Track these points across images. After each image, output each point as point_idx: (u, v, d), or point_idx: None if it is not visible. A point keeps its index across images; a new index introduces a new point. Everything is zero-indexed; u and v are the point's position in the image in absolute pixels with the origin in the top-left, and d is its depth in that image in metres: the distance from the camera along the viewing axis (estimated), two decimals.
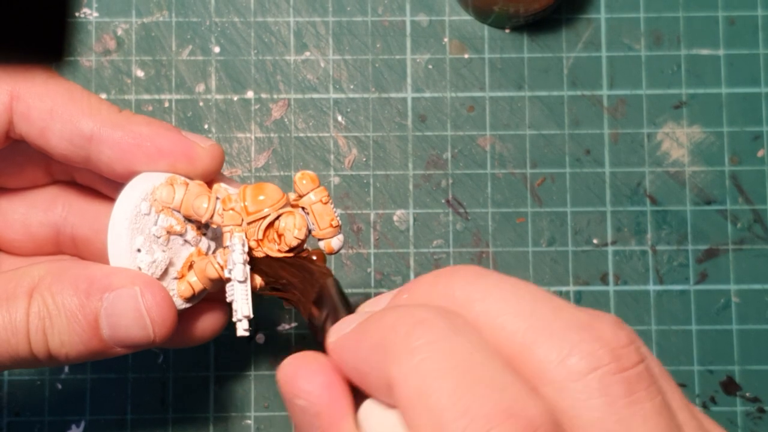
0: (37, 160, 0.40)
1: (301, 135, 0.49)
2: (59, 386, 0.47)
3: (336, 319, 0.31)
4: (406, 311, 0.27)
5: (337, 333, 0.29)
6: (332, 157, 0.49)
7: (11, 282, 0.35)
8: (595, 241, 0.49)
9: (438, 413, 0.24)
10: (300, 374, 0.29)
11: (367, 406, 0.28)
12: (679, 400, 0.27)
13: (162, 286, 0.36)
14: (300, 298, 0.34)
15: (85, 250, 0.41)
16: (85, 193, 0.42)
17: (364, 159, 0.49)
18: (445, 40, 0.50)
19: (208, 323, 0.40)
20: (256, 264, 0.36)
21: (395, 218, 0.49)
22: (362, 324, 0.28)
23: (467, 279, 0.28)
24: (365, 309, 0.31)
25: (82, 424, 0.47)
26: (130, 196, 0.36)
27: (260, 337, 0.48)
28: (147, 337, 0.36)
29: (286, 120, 0.49)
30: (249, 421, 0.47)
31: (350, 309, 0.32)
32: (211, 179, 0.38)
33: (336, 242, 0.37)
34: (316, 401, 0.28)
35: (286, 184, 0.49)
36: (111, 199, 0.42)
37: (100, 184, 0.41)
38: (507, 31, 0.50)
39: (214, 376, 0.47)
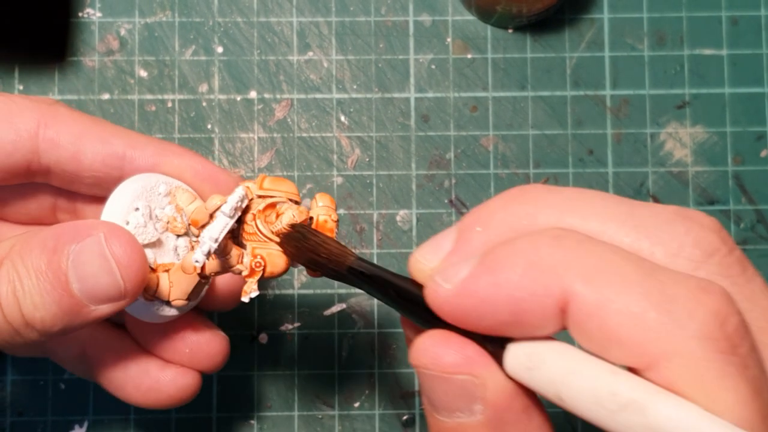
0: (46, 198, 0.41)
1: (304, 135, 0.49)
2: (62, 386, 0.47)
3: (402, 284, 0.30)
4: (537, 233, 0.26)
5: (449, 279, 0.27)
6: (335, 157, 0.49)
7: None
8: None
9: (636, 315, 0.24)
10: (440, 351, 0.27)
11: (517, 349, 0.26)
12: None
13: (128, 232, 0.35)
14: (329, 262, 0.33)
15: None
16: (59, 191, 0.42)
17: (367, 159, 0.49)
18: (448, 40, 0.50)
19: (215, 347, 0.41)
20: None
21: (398, 218, 0.49)
22: (490, 258, 0.26)
23: (542, 197, 0.28)
24: (426, 250, 0.29)
25: (85, 424, 0.47)
26: (156, 172, 0.38)
27: (263, 338, 0.48)
28: (116, 284, 0.34)
29: (289, 120, 0.49)
30: (252, 421, 0.47)
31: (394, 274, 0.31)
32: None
33: None
34: (466, 368, 0.27)
35: None
36: (85, 197, 0.42)
37: (74, 185, 0.41)
38: (510, 31, 0.50)
39: (217, 377, 0.47)
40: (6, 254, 0.35)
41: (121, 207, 0.36)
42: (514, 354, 0.26)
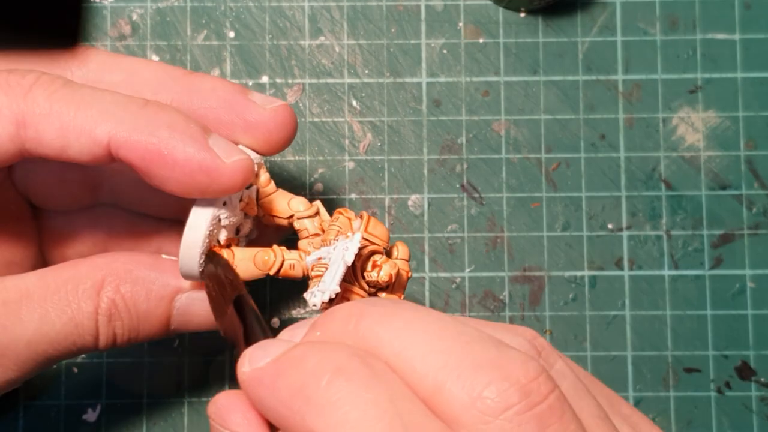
0: (82, 179, 0.41)
1: (316, 120, 0.49)
2: (75, 370, 0.47)
3: (249, 340, 0.31)
4: (325, 355, 0.26)
5: (251, 363, 0.28)
6: (347, 142, 0.49)
7: (70, 282, 0.36)
8: (609, 226, 0.49)
9: None
10: (230, 410, 0.29)
11: None
12: (600, 413, 0.27)
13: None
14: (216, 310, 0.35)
15: None
16: (128, 217, 0.42)
17: (379, 144, 0.49)
18: (460, 24, 0.50)
19: None
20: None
21: (410, 203, 0.49)
22: (280, 361, 0.28)
23: (377, 319, 0.28)
24: (283, 337, 0.30)
25: (99, 408, 0.47)
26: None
27: (275, 321, 0.48)
28: (214, 326, 0.37)
29: (300, 105, 0.49)
30: None
31: (264, 329, 0.31)
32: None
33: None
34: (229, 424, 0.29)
35: (301, 169, 0.49)
36: (153, 219, 0.42)
37: (142, 206, 0.42)
38: (522, 15, 0.50)
39: (230, 360, 0.48)
40: (101, 286, 0.36)
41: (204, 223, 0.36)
42: None
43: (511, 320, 0.48)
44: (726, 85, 0.50)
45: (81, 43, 0.50)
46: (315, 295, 0.34)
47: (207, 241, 0.35)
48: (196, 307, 0.37)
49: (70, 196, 0.41)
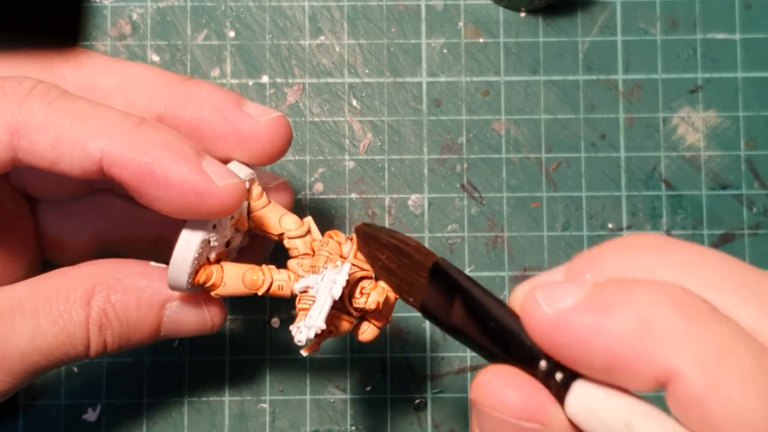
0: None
1: (316, 119, 0.49)
2: (75, 370, 0.47)
3: (472, 299, 0.28)
4: (660, 289, 0.24)
5: (552, 303, 0.25)
6: (347, 141, 0.49)
7: (60, 291, 0.36)
8: (610, 226, 0.49)
9: (746, 412, 0.22)
10: (501, 387, 0.26)
11: (583, 390, 0.25)
12: None
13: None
14: (400, 284, 0.33)
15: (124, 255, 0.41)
16: (125, 204, 0.42)
17: (379, 143, 0.49)
18: (460, 24, 0.50)
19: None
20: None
21: (410, 203, 0.49)
22: (599, 298, 0.25)
23: (660, 251, 0.26)
24: (524, 288, 0.28)
25: (99, 408, 0.47)
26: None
27: (275, 321, 0.48)
28: (204, 332, 0.38)
29: (301, 104, 0.49)
30: (264, 405, 0.48)
31: (481, 287, 0.29)
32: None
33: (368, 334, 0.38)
34: (534, 416, 0.26)
35: (301, 169, 0.49)
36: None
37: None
38: (522, 14, 0.50)
39: (230, 360, 0.48)
40: (91, 294, 0.36)
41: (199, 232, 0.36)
42: (581, 395, 0.25)
43: None
44: (726, 84, 0.50)
45: (81, 43, 0.50)
46: (301, 331, 0.34)
47: (196, 262, 0.35)
48: (186, 314, 0.37)
49: (67, 185, 0.41)
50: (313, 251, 0.37)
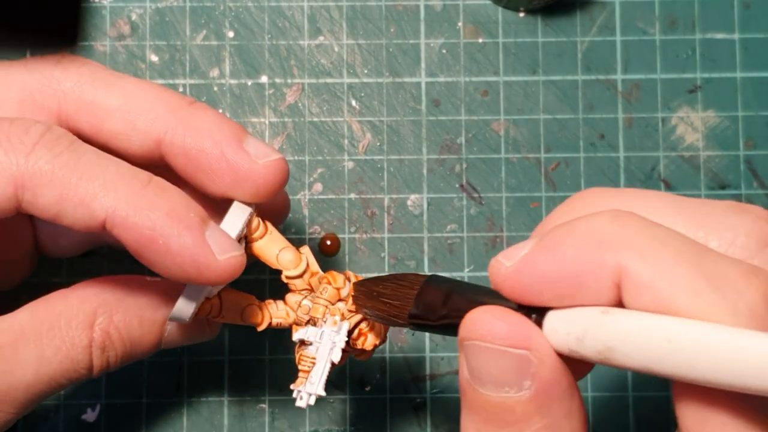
0: None
1: (315, 120, 0.49)
2: None
3: (469, 298, 0.30)
4: (594, 213, 0.27)
5: (511, 258, 0.28)
6: (346, 141, 0.49)
7: (62, 316, 0.36)
8: None
9: (687, 282, 0.25)
10: (489, 319, 0.28)
11: (556, 316, 0.27)
12: None
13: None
14: (393, 308, 0.34)
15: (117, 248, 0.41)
16: None
17: (378, 143, 0.49)
18: (459, 24, 0.50)
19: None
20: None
21: (409, 203, 0.49)
22: (548, 238, 0.28)
23: (600, 196, 0.30)
24: (509, 254, 0.30)
25: (98, 408, 0.47)
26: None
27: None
28: (203, 340, 0.39)
29: (300, 105, 0.49)
30: (263, 405, 0.48)
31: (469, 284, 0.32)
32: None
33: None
34: (523, 342, 0.27)
35: (300, 169, 0.49)
36: None
37: None
38: (521, 14, 0.50)
39: (229, 360, 0.48)
40: (93, 319, 0.37)
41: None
42: (556, 325, 0.27)
43: None
44: (725, 84, 0.50)
45: (80, 44, 0.50)
46: (302, 398, 0.36)
47: (197, 308, 0.36)
48: (187, 327, 0.38)
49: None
50: (311, 287, 0.38)
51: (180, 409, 0.47)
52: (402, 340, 0.48)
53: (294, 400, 0.37)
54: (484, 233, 0.49)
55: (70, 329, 0.35)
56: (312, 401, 0.36)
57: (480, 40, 0.50)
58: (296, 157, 0.49)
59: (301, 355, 0.37)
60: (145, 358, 0.39)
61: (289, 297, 0.38)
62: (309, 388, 0.36)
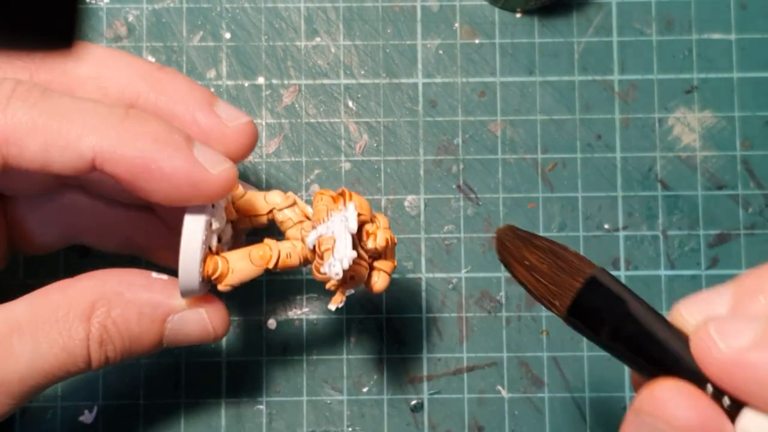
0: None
1: (312, 121, 0.49)
2: None
3: (634, 314, 0.28)
4: None
5: (727, 340, 0.25)
6: (343, 142, 0.49)
7: (60, 308, 0.36)
8: (606, 226, 0.49)
9: None
10: (677, 402, 0.26)
11: (754, 417, 0.25)
12: None
13: (220, 302, 0.38)
14: (548, 291, 0.31)
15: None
16: (95, 204, 0.42)
17: (375, 144, 0.49)
18: (456, 25, 0.50)
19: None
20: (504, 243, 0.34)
21: (406, 204, 0.49)
22: None
23: None
24: (691, 311, 0.27)
25: (95, 410, 0.47)
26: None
27: (272, 323, 0.48)
28: (208, 341, 0.38)
29: (296, 106, 0.49)
30: (261, 406, 0.48)
31: (650, 307, 0.29)
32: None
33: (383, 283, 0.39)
34: (698, 428, 0.25)
35: (297, 170, 0.49)
36: (121, 207, 0.42)
37: (109, 189, 0.41)
38: (518, 15, 0.50)
39: (226, 362, 0.48)
40: (91, 311, 0.36)
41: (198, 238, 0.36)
42: (752, 421, 0.25)
43: (507, 321, 0.48)
44: (722, 85, 0.50)
45: (77, 45, 0.50)
46: (334, 265, 0.35)
47: (204, 248, 0.35)
48: (189, 326, 0.37)
49: (36, 182, 0.40)
50: (306, 216, 0.37)
51: (177, 411, 0.47)
52: (399, 341, 0.48)
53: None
54: (481, 234, 0.49)
55: (66, 321, 0.35)
56: (345, 265, 0.35)
57: (477, 41, 0.50)
58: (293, 158, 0.49)
59: (320, 240, 0.36)
60: (148, 355, 0.39)
61: (288, 231, 0.38)
62: (338, 254, 0.35)
